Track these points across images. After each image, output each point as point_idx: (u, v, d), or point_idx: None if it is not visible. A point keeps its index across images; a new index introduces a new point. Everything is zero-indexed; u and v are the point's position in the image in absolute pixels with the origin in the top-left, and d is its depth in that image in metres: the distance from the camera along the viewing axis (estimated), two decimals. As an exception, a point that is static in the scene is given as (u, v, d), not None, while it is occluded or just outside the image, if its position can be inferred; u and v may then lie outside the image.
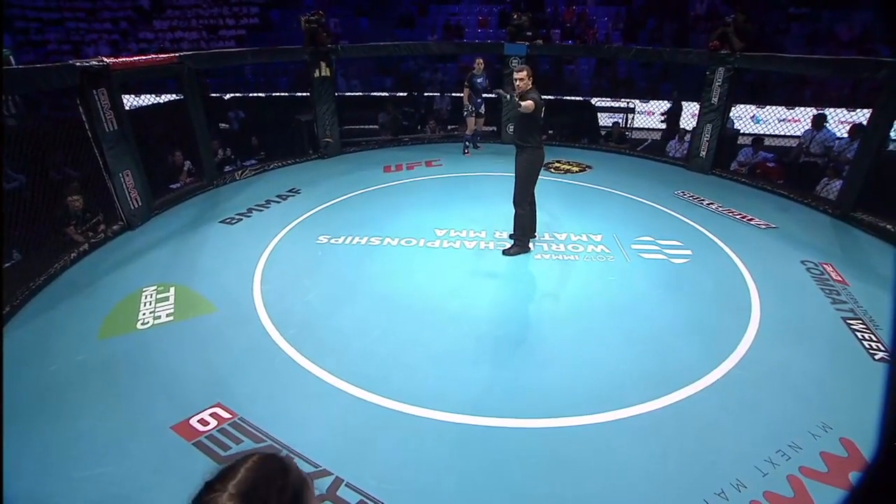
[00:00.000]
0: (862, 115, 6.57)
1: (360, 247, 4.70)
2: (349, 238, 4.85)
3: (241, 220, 5.38)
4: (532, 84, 4.26)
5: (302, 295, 3.90)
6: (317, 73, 7.24)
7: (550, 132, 9.04)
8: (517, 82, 4.33)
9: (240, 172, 6.91)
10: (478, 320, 3.54)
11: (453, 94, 9.93)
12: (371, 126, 9.07)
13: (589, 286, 3.95)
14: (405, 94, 9.89)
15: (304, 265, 4.37)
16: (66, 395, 2.90)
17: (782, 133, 8.14)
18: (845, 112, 8.63)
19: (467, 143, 7.62)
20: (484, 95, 7.27)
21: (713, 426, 2.65)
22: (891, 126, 4.88)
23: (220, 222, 5.30)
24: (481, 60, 7.26)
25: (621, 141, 8.60)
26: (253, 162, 7.40)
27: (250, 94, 9.66)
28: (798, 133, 7.54)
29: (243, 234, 5.00)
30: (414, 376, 3.01)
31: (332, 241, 4.82)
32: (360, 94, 10.28)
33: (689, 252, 4.56)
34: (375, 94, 10.07)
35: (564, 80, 11.07)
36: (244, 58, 7.12)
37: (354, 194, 6.07)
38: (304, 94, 7.80)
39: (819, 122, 6.73)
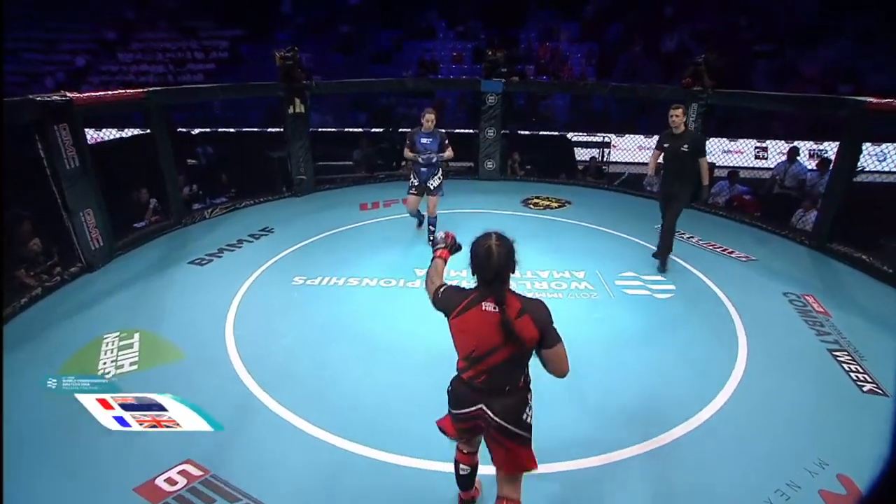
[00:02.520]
0: (830, 147, 7.08)
1: (338, 288, 4.70)
2: (326, 279, 4.85)
3: (212, 260, 5.34)
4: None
5: (277, 339, 3.86)
6: (291, 110, 7.37)
7: (528, 167, 9.37)
8: (673, 118, 4.80)
9: (209, 211, 6.88)
10: (450, 365, 3.54)
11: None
12: (346, 162, 9.18)
13: (574, 324, 4.01)
14: (380, 129, 10.15)
15: (279, 308, 4.33)
16: (21, 454, 2.77)
17: (755, 166, 8.68)
18: (813, 144, 9.30)
19: (418, 221, 5.95)
20: (433, 161, 5.26)
21: (709, 467, 2.70)
22: (856, 162, 5.27)
23: (189, 263, 5.24)
24: (432, 115, 5.15)
25: (599, 175, 8.96)
26: (223, 200, 7.38)
27: (219, 129, 9.72)
28: (770, 166, 8.06)
29: (214, 276, 4.95)
30: (398, 424, 2.99)
31: (308, 282, 4.81)
32: (335, 129, 10.47)
33: (672, 287, 4.70)
34: (350, 129, 10.26)
35: (540, 114, 11.58)
36: (215, 94, 7.25)
37: (330, 233, 6.09)
38: (277, 129, 7.88)
39: (792, 155, 7.22)
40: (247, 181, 7.67)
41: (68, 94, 4.74)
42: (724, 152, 9.09)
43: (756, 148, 10.42)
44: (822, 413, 3.08)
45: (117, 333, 3.92)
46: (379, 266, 5.12)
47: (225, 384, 3.32)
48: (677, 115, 4.73)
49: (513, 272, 1.85)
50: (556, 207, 7.28)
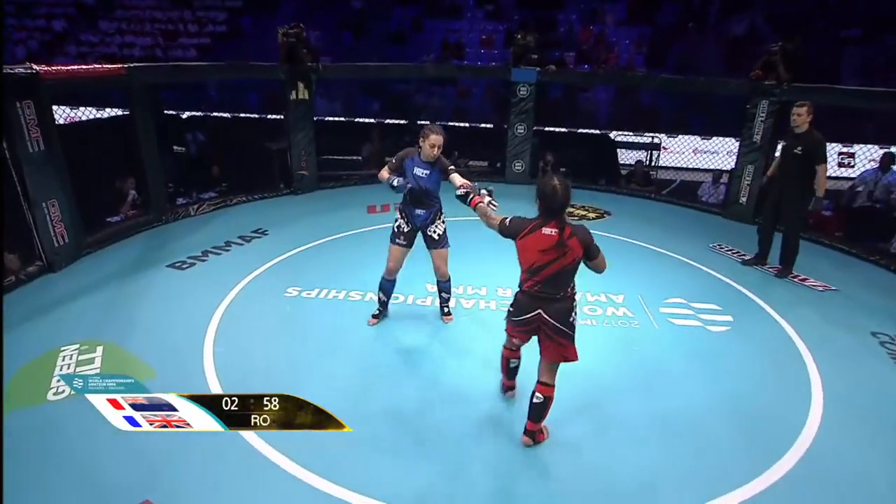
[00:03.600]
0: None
1: (338, 302, 4.65)
2: (325, 291, 4.81)
3: (195, 264, 5.33)
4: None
5: (263, 360, 3.80)
6: (293, 95, 7.39)
7: (563, 170, 9.23)
8: (794, 117, 5.04)
9: (195, 206, 6.90)
10: (474, 400, 3.45)
11: (449, 123, 10.20)
12: (354, 157, 9.18)
13: (609, 359, 3.88)
14: (395, 121, 10.13)
15: (269, 323, 4.29)
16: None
17: (839, 175, 8.33)
18: None
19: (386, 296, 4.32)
20: (431, 198, 4.00)
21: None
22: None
23: (168, 266, 5.24)
24: (440, 139, 3.78)
25: (645, 182, 8.78)
26: (212, 195, 7.41)
27: (212, 114, 9.81)
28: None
29: (196, 282, 4.93)
30: (402, 468, 2.88)
31: (304, 294, 4.77)
32: (342, 119, 10.49)
33: (729, 318, 4.54)
34: (360, 119, 10.28)
35: (579, 110, 11.46)
36: (208, 73, 7.30)
37: (332, 238, 6.06)
38: (277, 116, 7.92)
39: (886, 162, 6.89)
40: (240, 174, 7.70)
41: (35, 67, 4.72)
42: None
43: (840, 154, 10.09)
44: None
45: (77, 345, 3.88)
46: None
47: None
48: (799, 115, 5.00)
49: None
50: (593, 218, 7.16)
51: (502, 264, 5.39)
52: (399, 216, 4.08)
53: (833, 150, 9.63)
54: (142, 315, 4.34)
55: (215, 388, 3.46)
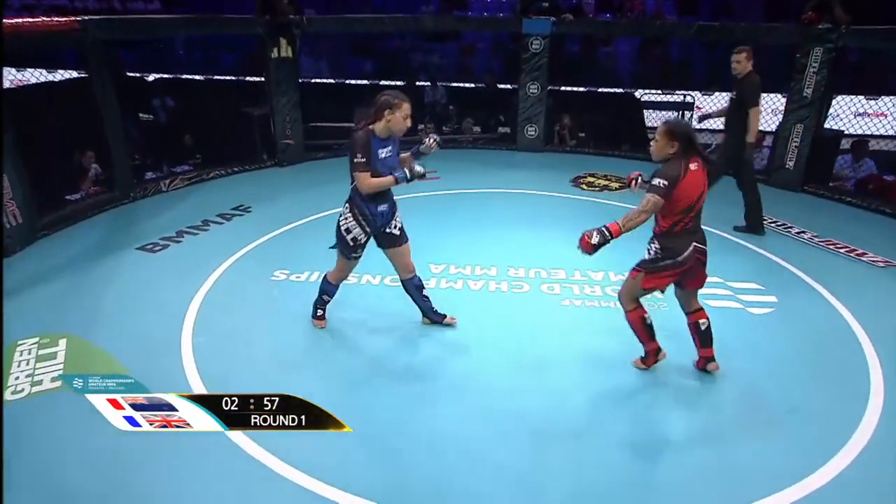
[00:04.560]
0: None
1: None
2: (316, 274, 4.80)
3: (168, 246, 5.32)
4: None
5: (249, 351, 3.80)
6: (274, 53, 7.32)
7: (581, 135, 9.13)
8: (734, 64, 5.46)
9: (167, 182, 6.88)
10: (486, 392, 3.45)
11: (452, 85, 10.08)
12: (345, 124, 9.09)
13: (636, 345, 3.83)
14: (391, 82, 10.01)
15: (254, 310, 4.29)
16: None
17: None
18: None
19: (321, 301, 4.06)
20: (387, 190, 3.69)
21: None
22: None
23: (138, 249, 5.24)
24: (407, 104, 3.44)
25: (678, 146, 8.67)
26: (186, 168, 7.39)
27: (182, 76, 9.73)
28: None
29: (170, 267, 4.92)
30: (404, 468, 2.90)
31: (293, 277, 4.76)
32: (332, 81, 10.40)
33: (773, 299, 4.50)
34: (351, 81, 10.18)
35: (600, 66, 11.30)
36: (175, 28, 7.18)
37: (323, 215, 6.02)
38: (257, 78, 7.84)
39: None
40: (217, 145, 7.67)
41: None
42: (858, 115, 8.62)
43: None
44: None
45: (36, 339, 3.87)
46: (384, 259, 5.00)
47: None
48: (738, 62, 5.41)
49: None
50: (616, 189, 7.11)
51: (506, 241, 5.47)
52: (352, 223, 3.59)
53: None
54: (109, 304, 4.33)
55: (196, 384, 3.45)
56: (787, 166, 7.05)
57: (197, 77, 9.72)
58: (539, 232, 5.74)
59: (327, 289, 3.96)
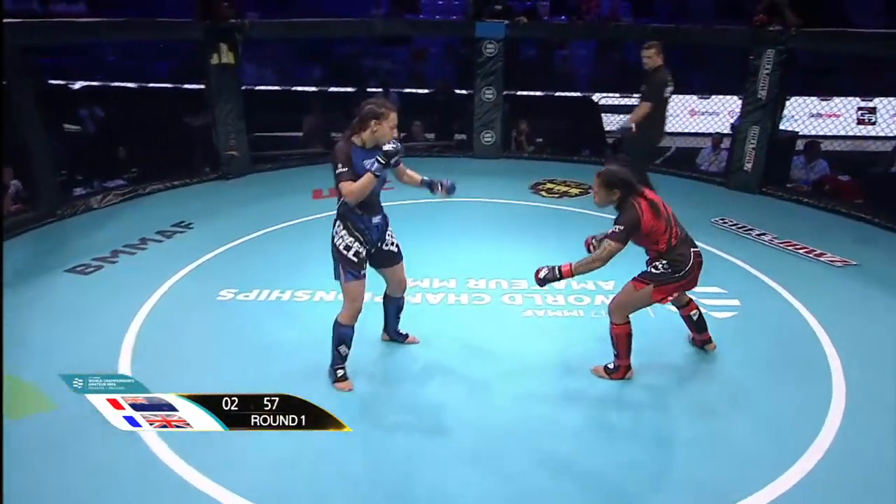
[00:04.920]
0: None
1: (282, 304, 4.63)
2: (265, 292, 4.77)
3: (102, 267, 5.21)
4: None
5: (194, 378, 3.72)
6: (214, 59, 7.24)
7: (539, 141, 9.30)
8: (644, 59, 5.86)
9: (100, 197, 6.73)
10: (447, 407, 3.46)
11: (404, 91, 10.14)
12: (293, 133, 9.08)
13: (602, 354, 3.92)
14: (341, 89, 10.01)
15: (199, 333, 4.22)
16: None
17: (860, 133, 8.51)
18: None
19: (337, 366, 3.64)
20: (378, 201, 3.59)
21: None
22: None
23: (68, 271, 5.11)
24: (394, 113, 3.36)
25: (637, 151, 8.93)
26: (120, 183, 7.23)
27: (113, 84, 9.51)
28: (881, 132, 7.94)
29: (105, 289, 4.82)
30: (362, 498, 2.86)
31: (241, 297, 4.72)
32: (278, 88, 10.33)
33: (735, 303, 4.66)
34: (298, 88, 10.14)
35: (556, 70, 11.54)
36: (102, 33, 7.00)
37: (273, 230, 6.03)
38: (197, 86, 7.75)
39: None
40: (154, 157, 7.52)
41: None
42: (812, 116, 9.06)
43: (859, 109, 10.41)
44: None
45: (-42, 375, 3.72)
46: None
47: (116, 448, 3.13)
48: (648, 56, 5.85)
49: None
50: (576, 195, 7.25)
51: (465, 252, 5.54)
52: (349, 238, 3.43)
53: (850, 104, 9.98)
54: (36, 332, 4.19)
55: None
56: (745, 168, 7.33)
57: (129, 85, 9.50)
58: (499, 241, 5.83)
59: (343, 335, 3.52)
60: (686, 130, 9.88)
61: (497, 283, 4.96)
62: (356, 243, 3.43)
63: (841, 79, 10.08)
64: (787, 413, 3.46)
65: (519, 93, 9.31)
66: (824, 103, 9.21)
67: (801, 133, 8.01)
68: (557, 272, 3.44)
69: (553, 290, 4.82)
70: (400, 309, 3.97)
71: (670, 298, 3.62)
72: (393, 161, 3.26)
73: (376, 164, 3.25)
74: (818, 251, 5.58)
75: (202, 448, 3.09)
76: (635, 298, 3.55)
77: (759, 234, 5.97)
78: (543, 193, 7.33)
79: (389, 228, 3.66)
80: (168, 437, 3.20)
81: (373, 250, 3.55)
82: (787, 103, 7.53)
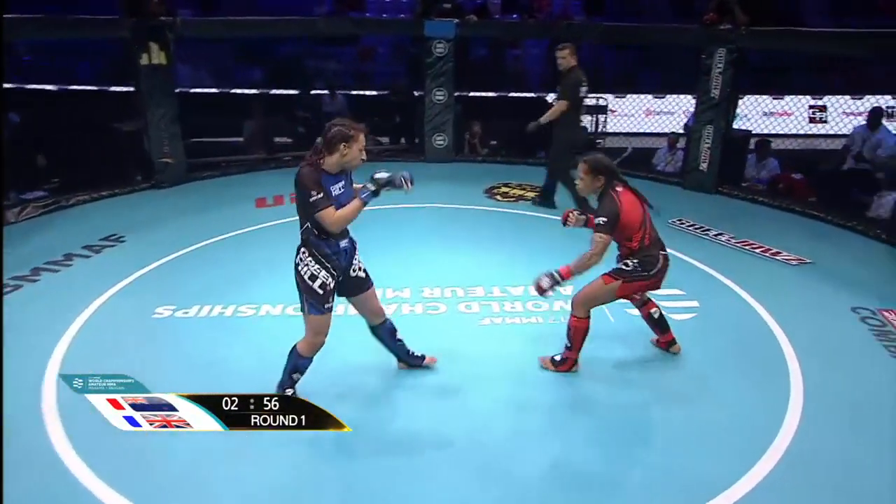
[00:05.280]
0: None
1: (225, 320, 4.59)
2: (206, 308, 4.72)
3: (21, 287, 5.05)
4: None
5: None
6: (144, 59, 7.11)
7: (493, 143, 9.42)
8: (558, 60, 6.38)
9: (17, 210, 6.52)
10: (405, 420, 3.48)
11: (353, 93, 10.14)
12: (232, 139, 8.96)
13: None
14: (283, 91, 9.94)
15: (134, 355, 4.09)
16: None
17: (811, 132, 8.88)
18: (891, 99, 9.67)
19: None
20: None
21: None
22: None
23: (-15, 292, 4.90)
24: (363, 135, 3.28)
25: (592, 152, 9.10)
26: (40, 194, 7.02)
27: (29, 86, 9.18)
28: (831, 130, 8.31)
29: (26, 310, 4.66)
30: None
31: (180, 313, 4.65)
32: (215, 90, 10.18)
33: (694, 304, 4.82)
34: (238, 91, 10.02)
35: (509, 70, 11.71)
36: (15, 30, 6.73)
37: (213, 241, 5.97)
38: (126, 88, 7.60)
39: (875, 118, 7.49)
40: (79, 166, 7.32)
41: None
42: (765, 115, 9.46)
43: (811, 108, 10.89)
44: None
45: None
46: (285, 287, 4.82)
47: (41, 482, 3.05)
48: (563, 57, 6.33)
49: None
50: (532, 198, 7.36)
51: (418, 260, 5.58)
52: (315, 266, 3.30)
53: (802, 103, 10.45)
54: (-49, 360, 4.01)
55: (63, 449, 3.25)
56: (700, 168, 7.59)
57: (48, 87, 9.20)
58: (454, 248, 5.87)
59: (298, 364, 3.45)
60: (642, 130, 10.20)
61: (453, 291, 5.00)
62: (322, 272, 3.30)
63: (793, 78, 10.53)
64: (746, 415, 3.58)
65: (471, 94, 9.43)
66: (776, 102, 9.62)
67: (754, 132, 8.33)
68: (558, 276, 3.62)
69: (511, 297, 4.91)
70: (393, 332, 3.82)
71: (634, 298, 3.85)
72: (384, 191, 3.25)
73: (366, 193, 3.23)
74: (774, 250, 5.82)
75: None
76: (602, 293, 3.73)
77: (716, 235, 6.19)
78: (499, 197, 7.42)
79: (357, 253, 3.55)
80: (103, 470, 3.12)
81: (341, 278, 3.44)
82: (741, 102, 7.84)
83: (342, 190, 3.28)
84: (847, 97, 9.38)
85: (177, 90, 7.66)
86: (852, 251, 5.92)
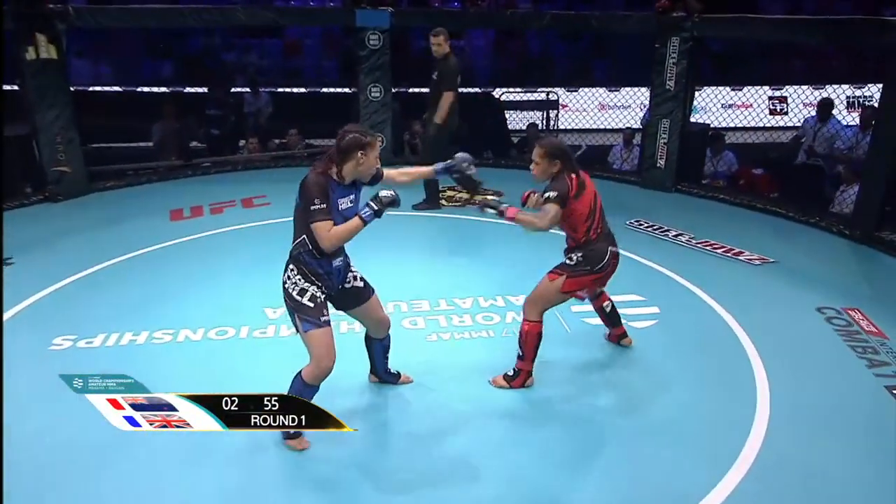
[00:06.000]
0: (878, 92, 7.68)
1: (136, 349, 4.48)
2: (114, 336, 4.60)
3: None
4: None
5: (23, 447, 3.43)
6: (31, 54, 6.92)
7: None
8: (433, 46, 6.66)
9: None
10: (343, 446, 3.46)
11: (280, 90, 10.08)
12: (140, 144, 8.79)
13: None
14: (198, 89, 9.80)
15: (29, 395, 3.92)
16: None
17: (773, 124, 9.26)
18: (852, 90, 10.16)
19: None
20: None
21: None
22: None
23: None
24: (379, 142, 3.51)
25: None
26: None
27: None
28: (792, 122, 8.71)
29: None
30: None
31: (82, 343, 4.52)
32: (119, 89, 9.97)
33: (654, 310, 4.95)
34: (145, 88, 9.84)
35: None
36: None
37: (120, 260, 5.87)
38: (7, 87, 7.37)
39: (825, 108, 7.82)
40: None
41: None
42: (724, 107, 9.85)
43: (771, 99, 11.34)
44: (883, 485, 3.26)
45: None
46: (206, 308, 4.98)
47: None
48: (438, 44, 6.61)
49: None
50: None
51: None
52: (303, 283, 3.31)
53: (761, 94, 10.91)
54: None
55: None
56: (658, 165, 7.82)
57: None
58: (395, 258, 5.88)
59: (304, 395, 3.23)
60: (597, 126, 10.41)
61: (395, 305, 5.00)
62: (312, 286, 3.31)
63: (752, 68, 11.00)
64: (713, 423, 3.71)
65: (411, 90, 9.47)
66: (735, 93, 10.01)
67: (713, 126, 8.63)
68: (502, 208, 3.72)
69: (459, 309, 4.95)
70: (387, 349, 3.89)
71: (581, 294, 4.01)
72: (385, 213, 3.22)
73: (368, 211, 3.19)
74: (736, 250, 6.04)
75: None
76: (549, 291, 3.85)
77: (676, 235, 6.40)
78: (444, 202, 7.46)
79: (352, 265, 3.57)
80: None
81: (334, 293, 3.46)
82: (698, 94, 8.12)
83: (351, 205, 3.30)
84: (806, 87, 9.83)
85: (73, 88, 7.50)
86: (816, 249, 6.18)
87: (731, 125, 8.83)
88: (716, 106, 8.78)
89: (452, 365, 4.28)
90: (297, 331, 3.36)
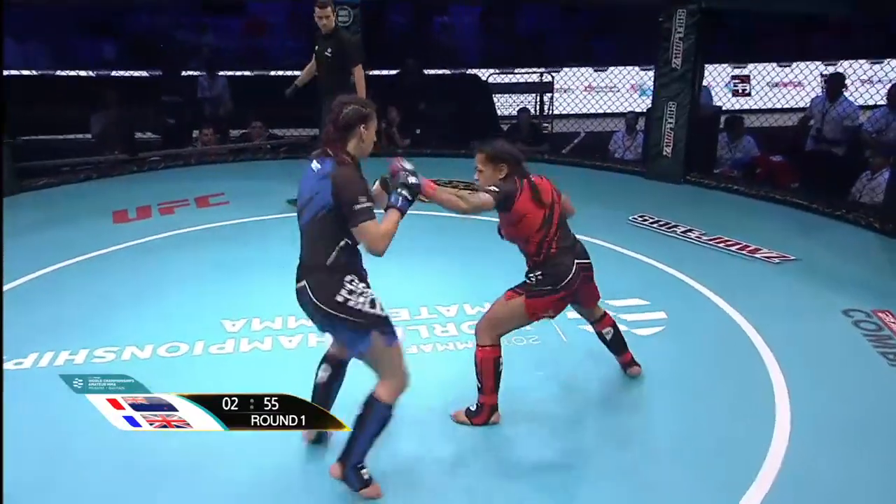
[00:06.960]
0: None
1: (73, 370, 4.40)
2: (48, 356, 4.56)
3: None
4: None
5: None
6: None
7: (417, 132, 9.47)
8: (322, 20, 6.50)
9: None
10: (319, 464, 3.48)
11: (240, 74, 10.04)
12: (78, 136, 8.74)
13: (506, 391, 4.04)
14: (144, 73, 9.75)
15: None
16: None
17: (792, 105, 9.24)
18: (869, 65, 10.16)
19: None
20: None
21: None
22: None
23: None
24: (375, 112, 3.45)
25: (536, 139, 9.32)
26: None
27: None
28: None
29: None
30: None
31: (11, 365, 4.45)
32: (52, 73, 9.90)
33: (661, 315, 4.96)
34: (82, 73, 9.78)
35: (434, 42, 11.84)
36: None
37: (54, 269, 5.85)
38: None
39: (835, 86, 7.80)
40: None
41: None
42: (771, 86, 9.86)
43: (733, 78, 11.29)
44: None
45: None
46: (155, 322, 4.96)
47: None
48: (326, 16, 6.52)
49: None
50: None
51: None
52: (369, 291, 3.25)
53: (769, 72, 10.92)
54: None
55: None
56: (664, 154, 7.83)
57: None
58: (370, 262, 5.85)
59: (386, 420, 3.19)
60: (596, 111, 10.43)
61: (370, 315, 5.00)
62: (370, 292, 3.22)
63: (764, 43, 11.07)
64: (730, 440, 3.72)
65: (386, 72, 9.45)
66: (744, 69, 9.93)
67: (724, 108, 8.65)
68: (416, 183, 3.13)
69: (442, 318, 4.96)
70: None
71: (548, 315, 3.83)
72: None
73: (402, 201, 3.07)
74: (753, 247, 6.06)
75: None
76: (506, 311, 3.75)
77: (685, 231, 6.41)
78: (423, 198, 7.45)
79: None
80: None
81: None
82: (706, 73, 8.15)
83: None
84: (819, 63, 9.84)
85: (-1, 73, 7.44)
86: (842, 244, 6.23)
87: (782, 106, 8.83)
88: (723, 85, 8.74)
89: (435, 381, 4.25)
90: (367, 347, 3.15)
